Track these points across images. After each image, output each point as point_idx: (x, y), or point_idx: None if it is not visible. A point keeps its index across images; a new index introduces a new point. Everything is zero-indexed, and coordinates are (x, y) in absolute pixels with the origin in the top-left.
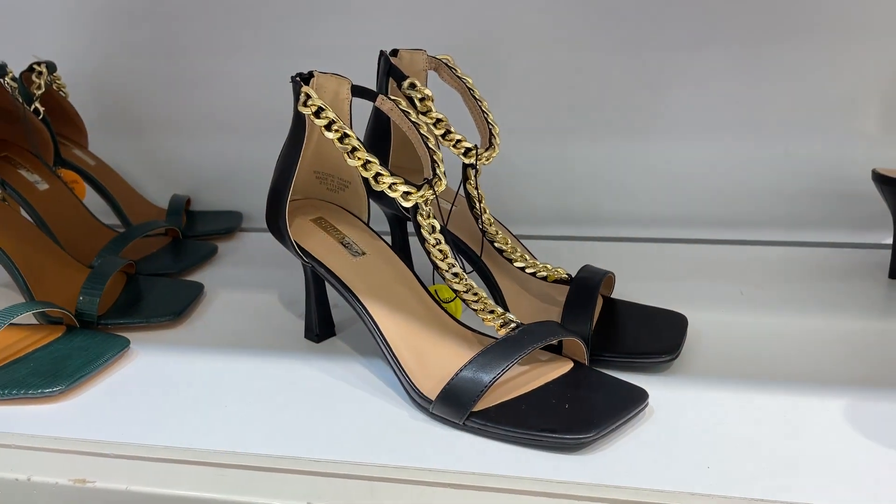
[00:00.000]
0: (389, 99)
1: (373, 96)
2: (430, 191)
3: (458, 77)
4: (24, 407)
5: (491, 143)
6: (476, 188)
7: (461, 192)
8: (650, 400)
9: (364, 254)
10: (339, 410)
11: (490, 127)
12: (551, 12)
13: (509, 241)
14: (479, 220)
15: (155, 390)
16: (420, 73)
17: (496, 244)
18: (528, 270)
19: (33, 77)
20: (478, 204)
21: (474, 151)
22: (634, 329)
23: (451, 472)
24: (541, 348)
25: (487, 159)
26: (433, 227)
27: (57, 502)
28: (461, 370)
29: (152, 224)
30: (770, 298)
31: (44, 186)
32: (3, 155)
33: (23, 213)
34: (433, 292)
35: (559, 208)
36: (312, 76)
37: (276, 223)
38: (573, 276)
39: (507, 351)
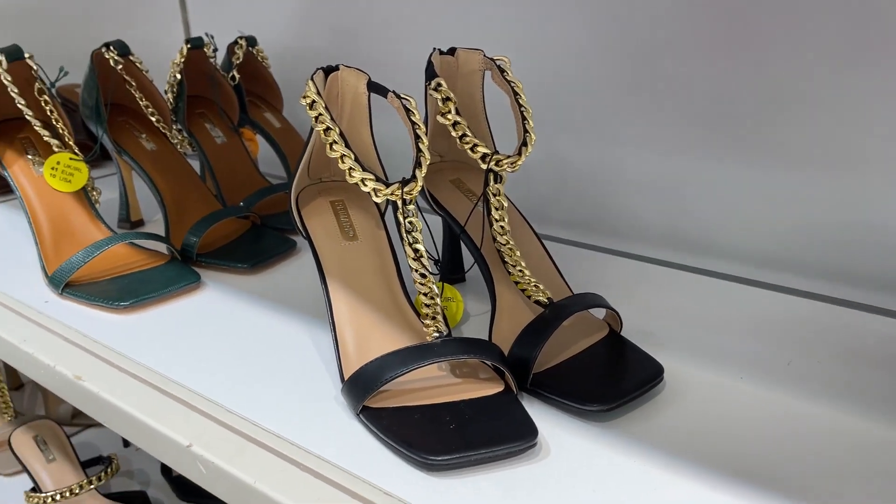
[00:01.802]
0: (397, 97)
1: (385, 93)
2: (401, 190)
3: (506, 80)
4: (98, 312)
5: (520, 152)
6: (497, 195)
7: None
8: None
9: (357, 240)
10: (284, 375)
11: (526, 135)
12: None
13: (516, 254)
14: (491, 227)
15: (188, 325)
16: (475, 73)
17: (501, 253)
18: (518, 286)
19: (235, 49)
20: (494, 211)
21: (492, 158)
22: (591, 370)
23: (314, 457)
24: (490, 365)
25: (513, 166)
26: (412, 226)
27: (61, 387)
28: (369, 363)
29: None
30: (819, 377)
31: (221, 140)
32: (199, 111)
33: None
34: (430, 290)
35: (668, 226)
36: (338, 69)
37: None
38: (553, 301)
39: (415, 356)
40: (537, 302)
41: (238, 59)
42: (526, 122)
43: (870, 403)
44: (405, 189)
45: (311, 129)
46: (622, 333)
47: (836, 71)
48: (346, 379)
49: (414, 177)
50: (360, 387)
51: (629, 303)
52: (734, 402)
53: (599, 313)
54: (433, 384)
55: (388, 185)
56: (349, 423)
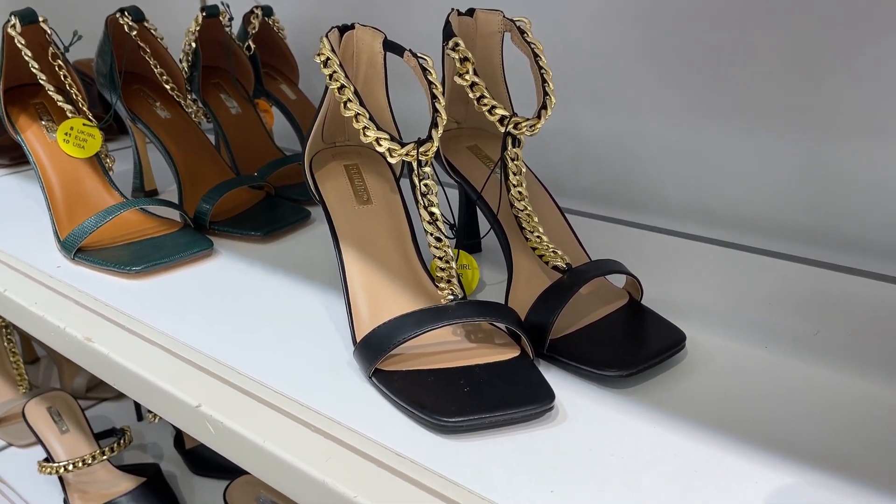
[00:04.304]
0: (414, 56)
1: (401, 52)
2: (416, 150)
3: (526, 42)
4: (109, 277)
5: (539, 115)
6: (514, 159)
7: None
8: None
9: (371, 203)
10: (296, 340)
11: (545, 98)
12: None
13: (534, 220)
14: (509, 193)
15: (200, 291)
16: (494, 35)
17: (519, 219)
18: (536, 252)
19: (251, 18)
20: (511, 176)
21: (510, 121)
22: (610, 337)
23: (324, 418)
24: (505, 330)
25: (532, 129)
26: (427, 189)
27: (71, 350)
28: (382, 325)
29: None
30: (849, 347)
31: (236, 110)
32: (214, 81)
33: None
34: (445, 253)
35: (692, 197)
36: (353, 28)
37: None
38: (571, 266)
39: (428, 317)
40: (555, 268)
41: (254, 28)
42: (546, 84)
43: None
44: (421, 150)
45: (326, 90)
46: (643, 302)
47: (873, 33)
48: (358, 342)
49: (430, 137)
50: (373, 349)
51: (650, 273)
52: (758, 371)
53: (618, 282)
54: (447, 348)
55: (403, 146)
56: (361, 386)
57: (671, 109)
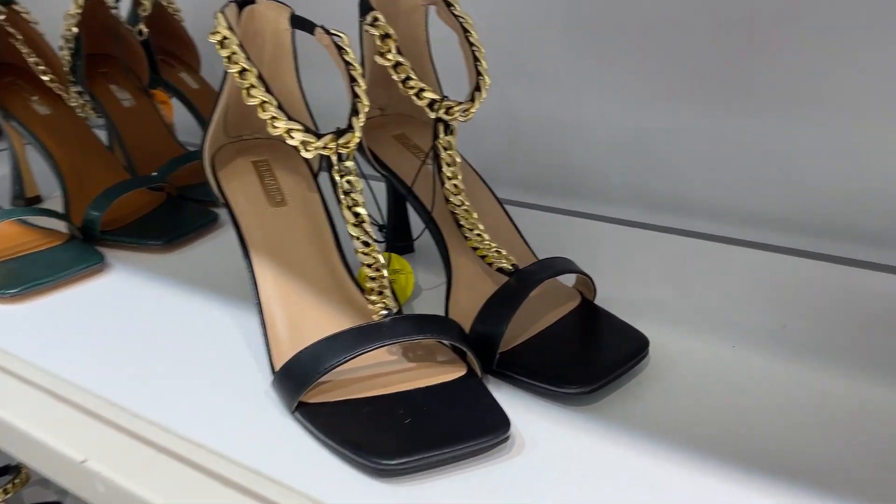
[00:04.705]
0: (327, 33)
1: (311, 29)
2: (335, 143)
3: (454, 15)
4: None
5: (473, 97)
6: (448, 148)
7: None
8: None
9: (285, 205)
10: (204, 370)
11: (479, 78)
12: None
13: (473, 216)
14: (443, 186)
15: (88, 315)
16: (417, 9)
17: (456, 216)
18: (478, 253)
19: None
20: (445, 167)
21: (441, 105)
22: (566, 346)
23: (240, 468)
24: (448, 345)
25: (465, 114)
26: (350, 186)
27: None
28: (305, 349)
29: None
30: (818, 339)
31: (130, 102)
32: (102, 70)
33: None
34: (375, 260)
35: (637, 187)
36: (255, 2)
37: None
38: (518, 267)
39: (359, 338)
40: (500, 269)
41: (145, 10)
42: (479, 63)
43: (877, 365)
44: (340, 141)
45: (225, 75)
46: (596, 302)
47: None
48: (277, 370)
49: (350, 126)
50: (295, 379)
51: (598, 268)
52: (728, 374)
53: (567, 280)
54: (382, 370)
55: (319, 137)
56: (283, 424)
57: (610, 87)
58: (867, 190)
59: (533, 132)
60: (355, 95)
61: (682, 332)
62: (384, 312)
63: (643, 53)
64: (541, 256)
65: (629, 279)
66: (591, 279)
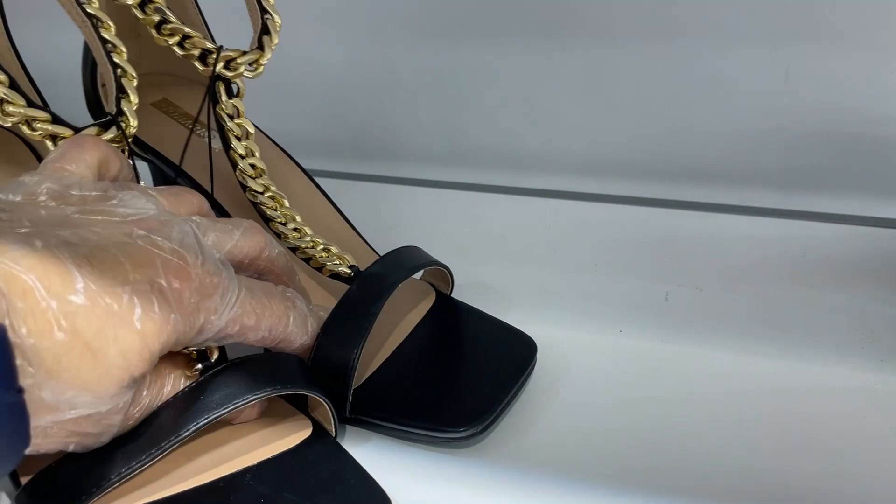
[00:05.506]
0: None
1: None
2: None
3: None
4: None
5: (260, 44)
6: (234, 116)
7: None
8: None
9: None
10: None
11: (265, 17)
12: None
13: (284, 204)
14: (236, 169)
15: None
16: None
17: (261, 207)
18: (299, 254)
19: None
20: (234, 141)
21: (215, 56)
22: (435, 365)
23: None
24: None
25: (254, 67)
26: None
27: None
28: (63, 459)
29: None
30: (705, 308)
31: None
32: None
33: None
34: None
35: (453, 145)
36: None
37: None
38: (359, 270)
39: (147, 440)
40: (335, 275)
41: None
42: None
43: (775, 325)
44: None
45: None
46: (453, 295)
47: None
48: (23, 485)
49: (122, 111)
50: (56, 499)
51: (444, 249)
52: (623, 365)
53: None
54: (197, 446)
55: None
56: None
57: (420, 25)
58: (682, 124)
59: (321, 85)
60: (115, 67)
61: (559, 320)
62: (197, 368)
63: None
64: (371, 243)
65: (481, 258)
66: (448, 269)
